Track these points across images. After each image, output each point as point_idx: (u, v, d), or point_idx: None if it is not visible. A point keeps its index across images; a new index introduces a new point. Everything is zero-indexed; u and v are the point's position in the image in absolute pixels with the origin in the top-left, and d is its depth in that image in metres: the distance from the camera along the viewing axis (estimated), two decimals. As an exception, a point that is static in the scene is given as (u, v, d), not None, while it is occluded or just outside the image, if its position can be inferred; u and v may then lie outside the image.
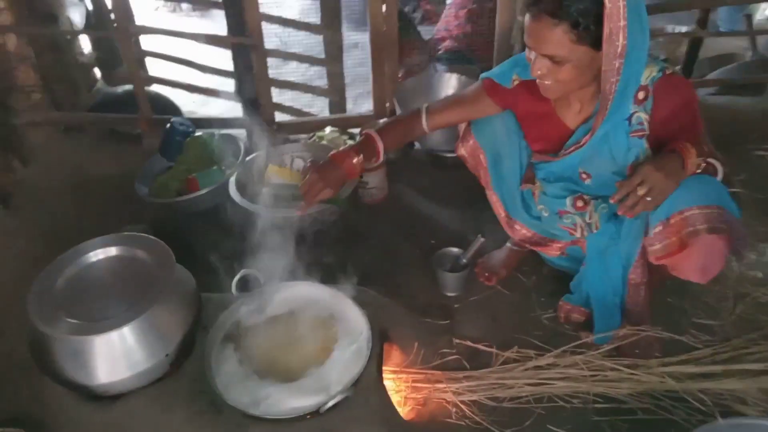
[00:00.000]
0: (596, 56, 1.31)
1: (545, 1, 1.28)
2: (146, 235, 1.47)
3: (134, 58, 2.53)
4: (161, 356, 1.34)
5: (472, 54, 3.06)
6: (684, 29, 3.09)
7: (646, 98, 1.40)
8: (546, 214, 1.68)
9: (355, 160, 1.56)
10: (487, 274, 1.94)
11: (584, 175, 1.58)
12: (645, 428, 1.48)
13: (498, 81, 1.59)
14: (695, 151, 1.31)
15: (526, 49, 1.40)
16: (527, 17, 1.34)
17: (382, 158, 1.64)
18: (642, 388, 1.55)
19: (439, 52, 3.14)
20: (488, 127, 1.67)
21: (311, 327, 1.52)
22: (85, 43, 3.30)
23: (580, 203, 1.62)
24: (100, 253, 1.43)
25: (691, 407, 1.48)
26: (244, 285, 1.61)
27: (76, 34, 3.01)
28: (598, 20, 1.25)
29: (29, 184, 2.44)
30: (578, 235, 1.65)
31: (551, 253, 1.76)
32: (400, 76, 3.15)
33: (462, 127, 1.74)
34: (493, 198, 1.73)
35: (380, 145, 1.60)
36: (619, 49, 1.27)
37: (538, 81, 1.41)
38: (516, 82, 1.57)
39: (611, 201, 1.34)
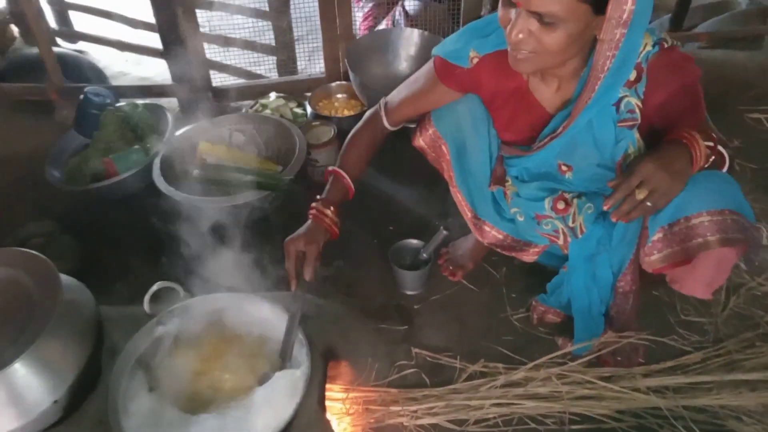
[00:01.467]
0: (593, 21, 1.07)
1: None
2: (24, 249, 1.23)
3: (35, 15, 2.19)
4: (50, 402, 1.12)
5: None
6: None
7: (638, 79, 1.16)
8: (521, 219, 1.44)
9: (329, 212, 1.40)
10: (451, 268, 1.74)
11: (564, 167, 1.34)
12: (628, 452, 1.33)
13: (452, 61, 1.33)
14: (703, 141, 1.08)
15: (501, 8, 1.16)
16: None
17: (353, 192, 1.48)
18: (624, 406, 1.39)
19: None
20: (450, 113, 1.41)
21: (240, 351, 1.31)
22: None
23: (560, 205, 1.37)
24: (-29, 280, 1.18)
25: (681, 427, 1.33)
26: (161, 297, 1.39)
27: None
28: None
29: None
30: (560, 242, 1.42)
31: (527, 258, 1.53)
32: (368, 10, 2.88)
33: None
34: (458, 196, 1.49)
35: (347, 181, 1.46)
36: (625, 15, 1.03)
37: (511, 49, 1.14)
38: (475, 60, 1.30)
39: (604, 207, 1.09)
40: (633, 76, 1.16)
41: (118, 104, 2.10)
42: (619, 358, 1.48)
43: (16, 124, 2.36)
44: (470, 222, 1.51)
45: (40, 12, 2.30)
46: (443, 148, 1.44)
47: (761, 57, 2.56)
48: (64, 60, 2.41)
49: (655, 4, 1.14)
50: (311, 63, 3.08)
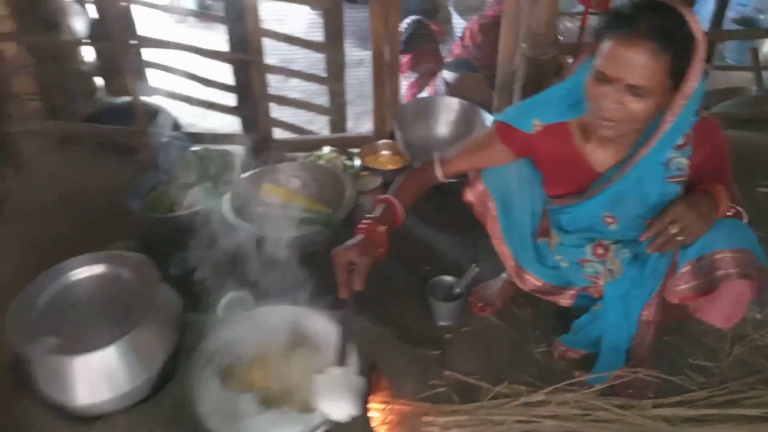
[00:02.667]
0: (668, 95, 1.28)
1: (645, 23, 1.20)
2: (132, 253, 1.48)
3: (131, 70, 2.55)
4: (143, 379, 1.33)
5: (476, 62, 3.14)
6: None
7: (686, 143, 1.38)
8: (565, 264, 1.63)
9: (381, 230, 1.48)
10: (480, 305, 1.93)
11: (609, 219, 1.53)
12: (636, 472, 1.47)
13: (516, 126, 1.51)
14: (727, 195, 1.31)
15: (593, 82, 1.30)
16: (616, 43, 1.23)
17: (402, 221, 1.59)
18: (634, 430, 1.53)
19: (448, 60, 3.19)
20: (500, 172, 1.61)
21: (298, 355, 1.51)
22: (87, 51, 3.34)
23: (600, 250, 1.57)
24: (85, 271, 1.43)
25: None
26: (232, 307, 1.61)
27: (74, 44, 3.05)
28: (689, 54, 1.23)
29: (21, 193, 2.45)
30: (601, 283, 1.60)
31: (563, 301, 1.70)
32: (413, 80, 3.24)
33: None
34: (502, 248, 1.66)
35: (399, 209, 1.56)
36: (689, 90, 1.26)
37: (600, 117, 1.32)
38: (538, 127, 1.49)
39: (641, 239, 1.32)
40: (682, 141, 1.38)
41: (194, 149, 2.40)
42: (630, 391, 1.62)
43: (102, 162, 2.67)
44: (512, 270, 1.68)
45: (141, 72, 2.65)
46: (490, 204, 1.63)
47: (769, 137, 2.78)
48: (146, 109, 2.75)
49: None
50: (357, 124, 3.40)
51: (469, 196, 1.69)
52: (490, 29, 3.19)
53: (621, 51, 1.22)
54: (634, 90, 1.24)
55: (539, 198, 1.64)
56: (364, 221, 1.50)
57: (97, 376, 1.26)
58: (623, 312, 1.59)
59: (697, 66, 1.23)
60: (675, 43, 1.21)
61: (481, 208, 1.68)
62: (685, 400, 1.62)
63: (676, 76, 1.25)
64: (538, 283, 1.68)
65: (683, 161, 1.39)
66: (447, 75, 3.06)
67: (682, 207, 1.28)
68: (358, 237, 1.46)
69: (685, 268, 1.37)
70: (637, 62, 1.21)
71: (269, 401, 1.41)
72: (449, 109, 2.62)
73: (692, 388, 1.66)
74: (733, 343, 1.82)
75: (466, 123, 2.57)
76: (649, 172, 1.41)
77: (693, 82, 1.25)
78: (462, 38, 3.34)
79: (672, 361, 1.76)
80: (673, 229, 1.27)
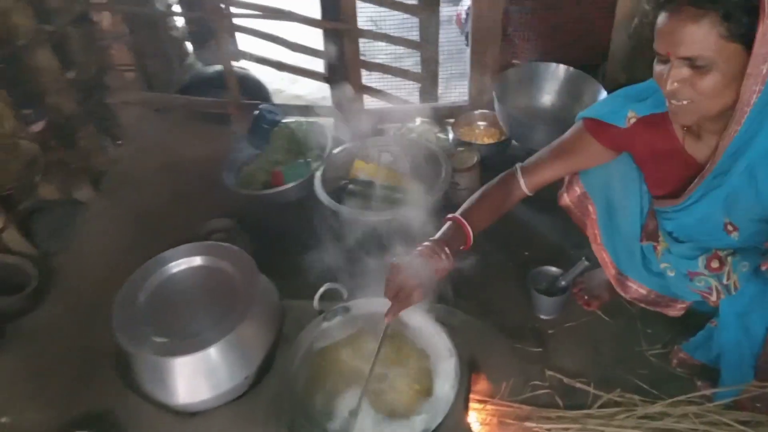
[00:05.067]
0: (747, 59, 1.08)
1: None
2: (229, 245, 1.44)
3: (224, 37, 2.50)
4: (242, 376, 1.32)
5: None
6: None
7: None
8: (671, 274, 1.44)
9: (443, 257, 1.31)
10: (586, 298, 1.79)
11: (730, 227, 1.33)
12: (765, 500, 1.32)
13: (608, 121, 1.36)
14: None
15: (656, 65, 1.17)
16: (662, 17, 1.11)
17: (470, 245, 1.40)
18: (762, 452, 1.38)
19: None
20: (600, 172, 1.46)
21: (396, 355, 1.46)
22: (177, 18, 3.34)
23: (715, 263, 1.36)
24: (183, 263, 1.42)
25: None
26: (327, 295, 1.57)
27: (169, 15, 3.03)
28: (751, 11, 1.04)
29: (121, 165, 2.51)
30: (714, 299, 1.39)
31: (672, 313, 1.53)
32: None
33: None
34: (603, 254, 1.51)
35: (470, 231, 1.38)
36: (765, 48, 1.05)
37: (671, 103, 1.18)
38: (632, 120, 1.33)
39: (762, 268, 1.12)
40: None
41: (285, 121, 2.35)
42: (758, 405, 1.46)
43: (197, 131, 2.70)
44: (613, 278, 1.55)
45: (230, 35, 2.62)
46: (590, 207, 1.49)
47: None
48: (238, 78, 2.72)
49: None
50: (448, 89, 3.22)
51: (566, 199, 1.56)
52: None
53: (665, 24, 1.11)
54: (691, 63, 1.10)
55: (647, 196, 1.45)
56: (426, 243, 1.34)
57: (197, 376, 1.26)
58: (743, 331, 1.39)
59: (765, 19, 1.01)
60: (719, 1, 1.04)
61: (580, 213, 1.54)
62: (823, 419, 1.43)
63: (746, 36, 1.05)
64: (643, 292, 1.53)
65: None
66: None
67: None
68: (415, 258, 1.31)
69: None
70: (681, 32, 1.08)
71: (369, 402, 1.37)
72: (554, 76, 2.41)
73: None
74: None
75: (573, 92, 2.36)
76: (762, 163, 1.19)
77: (766, 38, 1.03)
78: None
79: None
80: None
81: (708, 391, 1.47)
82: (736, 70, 1.09)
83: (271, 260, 1.99)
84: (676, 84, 1.13)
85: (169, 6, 3.14)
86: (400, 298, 1.31)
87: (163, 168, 2.51)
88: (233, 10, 2.56)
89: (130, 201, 2.35)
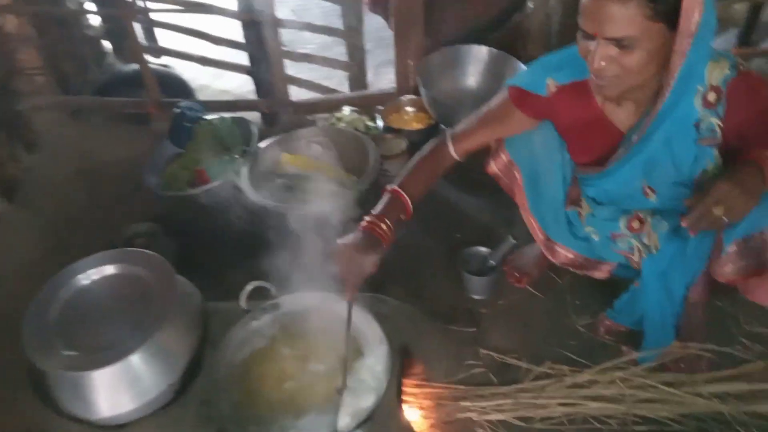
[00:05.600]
0: (669, 37, 1.13)
1: None
2: (144, 250, 1.39)
3: (137, 39, 2.41)
4: (167, 384, 1.28)
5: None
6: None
7: (717, 101, 1.22)
8: (596, 238, 1.49)
9: (384, 227, 1.36)
10: (517, 275, 1.82)
11: (648, 190, 1.39)
12: (689, 455, 1.38)
13: (529, 89, 1.39)
14: None
15: (580, 40, 1.20)
16: None
17: (411, 214, 1.44)
18: (687, 409, 1.43)
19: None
20: (524, 140, 1.48)
21: (326, 347, 1.44)
22: (93, 16, 3.19)
23: (635, 224, 1.42)
24: (95, 273, 1.35)
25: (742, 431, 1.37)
26: (254, 295, 1.53)
27: (80, 13, 2.89)
28: None
29: (36, 173, 2.39)
30: (636, 258, 1.45)
31: (599, 275, 1.58)
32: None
33: None
34: (530, 220, 1.55)
35: (408, 201, 1.42)
36: (693, 27, 1.09)
37: (594, 77, 1.21)
38: (553, 89, 1.37)
39: (683, 224, 1.15)
40: (713, 98, 1.22)
41: (207, 117, 2.28)
42: (682, 366, 1.52)
43: (115, 133, 2.59)
44: (542, 243, 1.57)
45: (150, 32, 2.51)
46: (516, 174, 1.51)
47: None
48: (157, 75, 2.62)
49: (723, 19, 1.19)
50: (378, 76, 3.21)
51: (493, 167, 1.57)
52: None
53: (591, 3, 1.13)
54: (617, 43, 1.13)
55: (569, 164, 1.49)
56: (366, 217, 1.38)
57: (118, 387, 1.21)
58: (664, 290, 1.46)
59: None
60: None
61: (508, 180, 1.56)
62: (742, 374, 1.50)
63: (669, 14, 1.09)
64: (570, 256, 1.56)
65: (715, 121, 1.23)
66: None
67: (726, 185, 1.11)
68: (358, 233, 1.35)
69: (731, 248, 1.22)
70: (608, 13, 1.10)
71: (298, 401, 1.35)
72: (478, 58, 2.42)
73: (749, 359, 1.54)
74: (792, 309, 1.68)
75: (497, 74, 2.38)
76: (678, 132, 1.26)
77: (691, 17, 1.08)
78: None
79: (726, 330, 1.64)
80: (718, 211, 1.11)
81: (632, 356, 1.52)
82: (659, 46, 1.14)
83: (197, 263, 1.95)
84: (603, 63, 1.16)
85: (81, 4, 3.00)
86: (353, 272, 1.33)
87: (81, 174, 2.40)
88: (149, 4, 2.47)
89: (46, 210, 2.23)
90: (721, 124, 1.24)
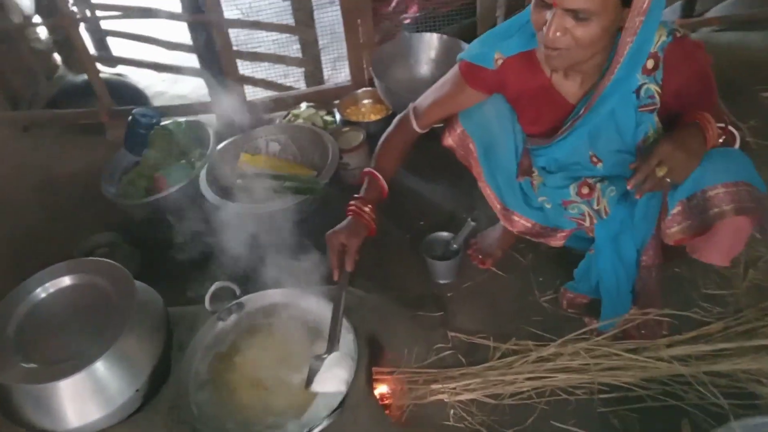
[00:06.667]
0: (621, 13, 1.17)
1: None
2: (102, 259, 1.38)
3: (83, 47, 2.37)
4: (133, 390, 1.27)
5: (440, 13, 2.74)
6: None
7: (656, 67, 1.26)
8: (549, 206, 1.53)
9: (367, 209, 1.48)
10: (480, 257, 1.85)
11: (595, 159, 1.44)
12: (655, 417, 1.42)
13: (477, 63, 1.42)
14: (715, 122, 1.19)
15: (534, 10, 1.22)
16: None
17: (387, 192, 1.55)
18: (649, 374, 1.48)
19: (406, 22, 2.77)
20: (476, 112, 1.51)
21: (293, 342, 1.45)
22: (41, 29, 3.13)
23: (585, 190, 1.47)
24: (51, 286, 1.34)
25: (704, 391, 1.41)
26: (219, 296, 1.53)
27: (22, 27, 2.83)
28: None
29: (-11, 191, 2.35)
30: (587, 224, 1.50)
31: (555, 243, 1.61)
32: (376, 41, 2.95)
33: None
34: (487, 190, 1.58)
35: (382, 182, 1.53)
36: (645, 5, 1.13)
37: (546, 47, 1.23)
38: (500, 62, 1.39)
39: (628, 187, 1.20)
40: (651, 64, 1.26)
41: (163, 123, 2.26)
42: (643, 332, 1.56)
43: (70, 145, 2.55)
44: (499, 213, 1.60)
45: (102, 42, 2.47)
46: (471, 146, 1.53)
47: (775, 37, 2.60)
48: (110, 84, 2.58)
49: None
50: (335, 71, 3.21)
51: (449, 140, 1.58)
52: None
53: None
54: (574, 15, 1.14)
55: (520, 133, 1.53)
56: (351, 201, 1.50)
57: (83, 397, 1.20)
58: (616, 254, 1.50)
59: None
60: None
61: (463, 151, 1.58)
62: (701, 335, 1.55)
63: None
64: (528, 224, 1.59)
65: (653, 87, 1.28)
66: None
67: (668, 146, 1.16)
68: (347, 220, 1.47)
69: (676, 209, 1.27)
70: None
71: (268, 398, 1.36)
72: (429, 46, 2.45)
73: (708, 321, 1.59)
74: (747, 267, 1.74)
75: (448, 60, 2.40)
76: (620, 101, 1.30)
77: None
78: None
79: (685, 294, 1.69)
80: (661, 172, 1.16)
81: (593, 326, 1.56)
82: (612, 21, 1.17)
83: (160, 269, 1.94)
84: (558, 33, 1.17)
85: (27, 18, 2.94)
86: (344, 251, 1.43)
87: (37, 188, 2.36)
88: (97, 12, 2.43)
89: (2, 227, 2.19)
90: (659, 90, 1.28)
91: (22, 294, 1.32)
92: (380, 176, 1.52)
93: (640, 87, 1.29)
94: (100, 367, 1.22)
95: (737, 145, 1.28)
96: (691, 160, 1.17)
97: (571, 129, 1.40)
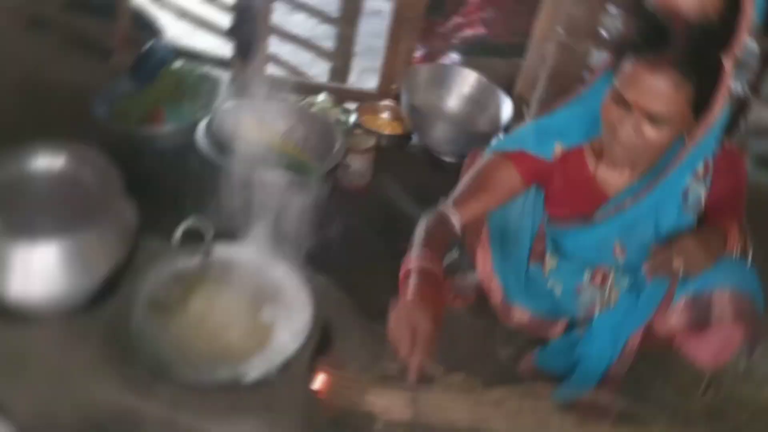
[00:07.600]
0: (690, 123, 1.39)
1: (674, 49, 1.30)
2: (98, 155, 1.56)
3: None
4: (80, 286, 1.42)
5: (498, 39, 3.10)
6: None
7: (706, 173, 1.49)
8: (559, 292, 1.71)
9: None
10: (453, 295, 2.04)
11: (618, 249, 1.61)
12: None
13: (535, 153, 1.55)
14: (739, 234, 1.43)
15: (611, 105, 1.39)
16: (632, 63, 1.34)
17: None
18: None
19: (456, 43, 3.15)
20: None
21: (252, 298, 1.63)
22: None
23: (598, 278, 1.65)
24: (43, 162, 1.51)
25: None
26: (189, 238, 1.70)
27: None
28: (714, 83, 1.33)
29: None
30: (597, 312, 1.66)
31: (552, 335, 1.76)
32: (417, 56, 3.26)
33: None
34: (492, 283, 1.71)
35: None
36: (713, 120, 1.37)
37: (616, 143, 1.42)
38: (558, 154, 1.56)
39: (644, 268, 1.43)
40: (702, 170, 1.50)
41: (177, 63, 2.47)
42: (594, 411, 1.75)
43: (69, 58, 2.71)
44: (497, 307, 1.77)
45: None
46: (483, 230, 1.71)
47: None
48: (132, 10, 2.79)
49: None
50: (361, 79, 3.48)
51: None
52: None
53: (643, 76, 1.31)
54: (652, 118, 1.34)
55: (540, 215, 1.70)
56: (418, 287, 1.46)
57: (33, 269, 1.35)
58: (611, 342, 1.67)
59: (722, 97, 1.35)
60: (701, 73, 1.31)
61: (474, 234, 1.73)
62: (640, 432, 1.74)
63: (699, 104, 1.37)
64: (525, 318, 1.76)
65: (701, 192, 1.51)
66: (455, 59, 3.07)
67: (692, 243, 1.38)
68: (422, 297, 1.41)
69: (680, 302, 1.48)
70: (659, 90, 1.31)
71: (209, 342, 1.52)
72: (465, 81, 2.73)
73: (653, 423, 1.79)
74: (708, 386, 1.95)
75: (479, 102, 2.68)
76: (667, 200, 1.52)
77: (717, 112, 1.37)
78: (466, 14, 3.21)
79: (642, 391, 1.88)
80: (678, 262, 1.38)
81: (546, 389, 1.74)
82: (681, 129, 1.40)
83: (136, 199, 2.09)
84: (632, 131, 1.37)
85: None
86: (420, 351, 1.38)
87: (22, 87, 2.50)
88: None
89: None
90: (707, 195, 1.51)
91: (11, 160, 1.48)
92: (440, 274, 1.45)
93: (687, 189, 1.51)
94: (56, 247, 1.39)
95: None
96: (709, 260, 1.39)
97: (611, 217, 1.59)
